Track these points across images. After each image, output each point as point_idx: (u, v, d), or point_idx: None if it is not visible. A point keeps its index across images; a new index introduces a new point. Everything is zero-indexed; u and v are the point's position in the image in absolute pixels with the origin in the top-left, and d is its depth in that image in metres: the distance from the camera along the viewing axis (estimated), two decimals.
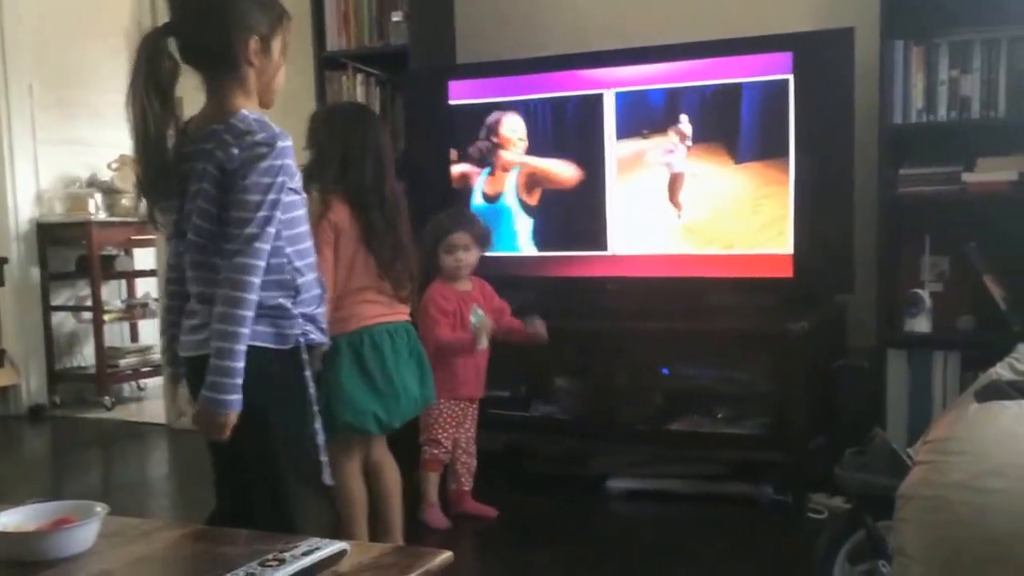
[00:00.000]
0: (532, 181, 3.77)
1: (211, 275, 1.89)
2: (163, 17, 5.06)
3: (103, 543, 1.42)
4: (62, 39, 5.62)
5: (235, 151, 1.87)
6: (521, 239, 3.81)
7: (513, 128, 3.78)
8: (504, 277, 3.65)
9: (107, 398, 5.55)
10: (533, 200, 3.78)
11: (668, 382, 3.64)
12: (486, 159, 3.84)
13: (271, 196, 1.86)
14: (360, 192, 2.74)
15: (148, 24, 4.97)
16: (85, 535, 1.39)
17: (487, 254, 3.45)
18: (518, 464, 3.93)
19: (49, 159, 5.57)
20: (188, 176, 1.93)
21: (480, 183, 3.85)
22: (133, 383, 5.96)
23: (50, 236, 5.51)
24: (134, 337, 6.05)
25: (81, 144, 5.72)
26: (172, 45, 1.96)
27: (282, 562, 1.24)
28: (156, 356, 5.76)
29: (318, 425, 2.03)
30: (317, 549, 1.28)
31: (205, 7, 1.97)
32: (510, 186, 3.80)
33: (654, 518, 3.41)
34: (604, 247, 3.67)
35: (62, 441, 5.15)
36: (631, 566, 2.99)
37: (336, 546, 1.30)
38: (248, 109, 1.94)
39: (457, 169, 3.87)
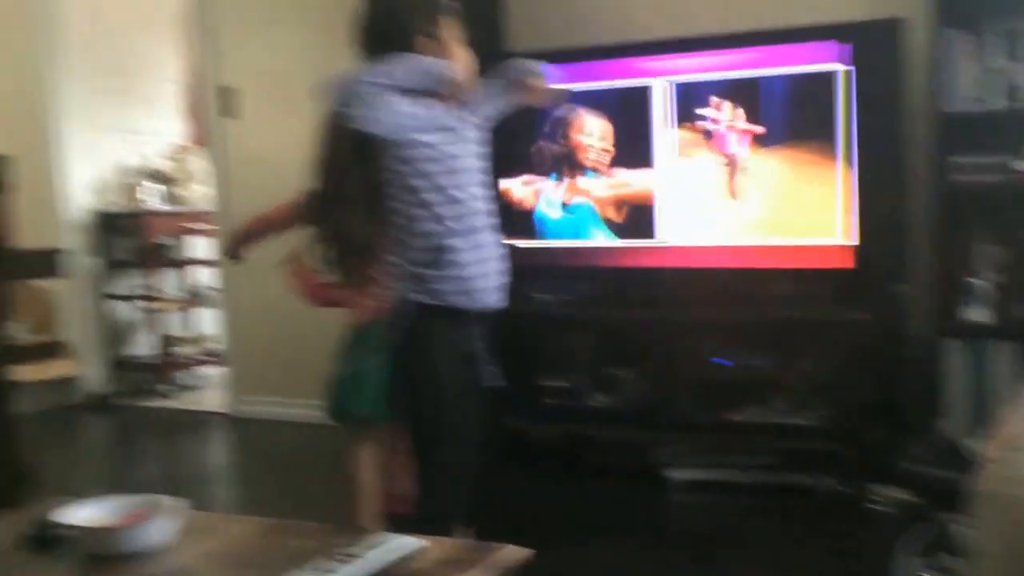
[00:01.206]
0: (620, 200, 3.70)
1: None
2: (220, 6, 5.10)
3: (180, 537, 1.44)
4: (117, 29, 5.68)
5: None
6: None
7: (589, 131, 3.70)
8: (560, 267, 3.65)
9: (166, 387, 5.63)
10: (620, 217, 3.70)
11: (727, 372, 3.62)
12: (552, 164, 3.78)
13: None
14: None
15: (202, 12, 5.04)
16: (163, 530, 1.42)
17: (542, 244, 3.45)
18: (575, 454, 3.93)
19: (104, 149, 5.64)
20: None
21: (546, 193, 3.79)
22: (191, 371, 6.01)
23: (108, 225, 5.59)
24: (191, 326, 6.13)
25: (136, 133, 5.79)
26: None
27: (353, 556, 1.25)
28: (213, 344, 5.85)
29: None
30: (391, 545, 1.29)
31: (383, 26, 2.28)
32: (589, 200, 3.74)
33: (713, 508, 3.41)
34: (656, 237, 3.65)
35: (123, 429, 5.24)
36: (691, 556, 2.99)
37: (409, 542, 1.31)
38: None
39: (506, 184, 3.77)
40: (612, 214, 3.71)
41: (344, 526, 1.52)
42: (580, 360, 3.85)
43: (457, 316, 2.20)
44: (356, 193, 2.28)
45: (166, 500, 1.47)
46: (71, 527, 1.41)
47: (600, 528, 3.25)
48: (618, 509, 3.42)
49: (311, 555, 1.32)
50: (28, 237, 3.09)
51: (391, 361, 2.40)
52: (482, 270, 2.21)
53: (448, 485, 2.26)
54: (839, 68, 3.28)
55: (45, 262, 3.30)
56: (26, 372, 3.26)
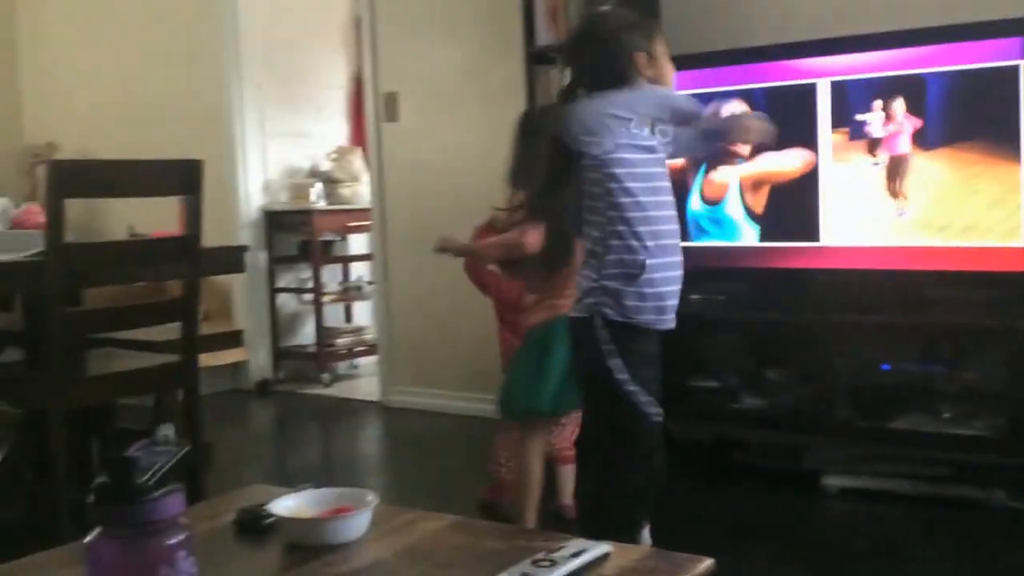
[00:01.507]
0: (757, 183, 3.70)
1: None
2: (382, 14, 5.27)
3: (372, 531, 1.49)
4: (288, 39, 5.94)
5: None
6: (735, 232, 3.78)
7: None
8: (715, 268, 3.64)
9: (325, 375, 5.83)
10: (759, 205, 3.70)
11: (889, 378, 3.54)
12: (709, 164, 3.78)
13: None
14: None
15: (368, 17, 5.19)
16: (360, 523, 1.48)
17: (695, 244, 3.44)
18: (726, 456, 3.91)
19: (275, 151, 5.90)
20: None
21: (697, 183, 3.82)
22: (348, 361, 6.22)
23: (275, 223, 5.84)
24: (348, 318, 6.33)
25: (304, 136, 6.05)
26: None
27: (554, 563, 1.28)
28: (369, 336, 6.02)
29: None
30: (584, 551, 1.33)
31: (596, 50, 2.29)
32: (733, 190, 3.75)
33: (872, 518, 3.32)
34: (817, 238, 3.60)
35: (285, 415, 5.45)
36: (847, 567, 2.93)
37: (600, 548, 1.34)
38: None
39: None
40: (769, 214, 3.68)
41: (529, 528, 1.55)
42: (732, 362, 3.82)
43: (643, 332, 2.26)
44: (561, 207, 2.33)
45: (362, 494, 1.53)
46: (277, 516, 1.48)
47: (752, 533, 3.22)
48: (770, 514, 3.38)
49: (502, 557, 1.35)
50: (210, 235, 3.25)
51: (565, 365, 2.48)
52: (672, 289, 2.27)
53: (635, 493, 2.34)
54: (1021, 64, 3.18)
55: (231, 259, 3.48)
56: (205, 359, 3.44)
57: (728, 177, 3.74)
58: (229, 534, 1.52)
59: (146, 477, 0.96)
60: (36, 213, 3.41)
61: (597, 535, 1.43)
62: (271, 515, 1.49)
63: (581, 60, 2.32)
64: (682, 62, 3.88)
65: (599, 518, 2.32)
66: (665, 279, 2.26)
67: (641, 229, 2.21)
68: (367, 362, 6.14)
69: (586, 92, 2.27)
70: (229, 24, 5.65)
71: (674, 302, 2.30)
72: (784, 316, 3.59)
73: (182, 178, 3.02)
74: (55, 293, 2.83)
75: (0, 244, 3.17)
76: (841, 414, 3.53)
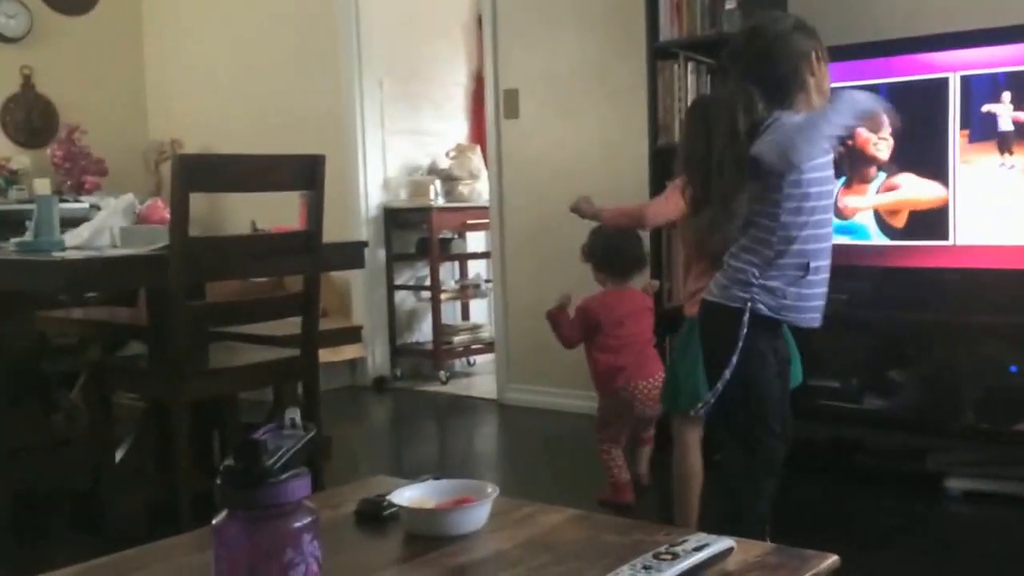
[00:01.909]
0: (906, 198, 3.57)
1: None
2: (504, 10, 5.29)
3: (491, 523, 1.48)
4: (409, 37, 6.00)
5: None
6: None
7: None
8: (840, 265, 3.53)
9: (442, 372, 5.86)
10: (899, 222, 3.59)
11: (1016, 380, 3.41)
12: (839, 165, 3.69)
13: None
14: None
15: (490, 14, 5.20)
16: (480, 515, 1.46)
17: None
18: (845, 457, 3.81)
19: (395, 148, 5.95)
20: None
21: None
22: (464, 359, 6.25)
23: (395, 220, 5.89)
24: (465, 315, 6.36)
25: (423, 134, 6.10)
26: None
27: (675, 556, 1.25)
28: (486, 334, 6.04)
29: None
30: (706, 545, 1.29)
31: (766, 50, 2.30)
32: (869, 204, 3.64)
33: (996, 522, 3.23)
34: (947, 236, 3.47)
35: (402, 411, 5.50)
36: (971, 570, 2.85)
37: (723, 543, 1.31)
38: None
39: None
40: (895, 212, 3.57)
41: (648, 522, 1.52)
42: (855, 362, 3.74)
43: (777, 329, 2.35)
44: (740, 209, 2.31)
45: (482, 486, 1.52)
46: (398, 506, 1.47)
47: (873, 534, 3.14)
48: (891, 516, 3.30)
49: (622, 550, 1.33)
50: (330, 231, 3.29)
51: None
52: (823, 291, 2.33)
53: (761, 488, 2.35)
54: None
55: (351, 254, 3.52)
56: (323, 355, 3.48)
57: (863, 201, 3.65)
58: (350, 523, 1.53)
59: (273, 460, 0.96)
60: (160, 208, 3.49)
61: (724, 528, 1.40)
62: (392, 505, 1.49)
63: (754, 62, 2.31)
64: None
65: (728, 517, 2.32)
66: (823, 280, 2.32)
67: (809, 233, 2.25)
68: (483, 360, 6.16)
69: (758, 93, 2.26)
70: (351, 21, 5.70)
71: (824, 301, 2.36)
72: (910, 316, 3.51)
73: (305, 173, 3.06)
74: (180, 287, 2.88)
75: (126, 238, 3.25)
76: (966, 416, 3.45)
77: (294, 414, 1.08)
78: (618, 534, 1.45)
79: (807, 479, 3.44)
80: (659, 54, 4.12)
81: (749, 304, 2.26)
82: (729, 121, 2.26)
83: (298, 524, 0.97)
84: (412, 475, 1.69)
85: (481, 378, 5.97)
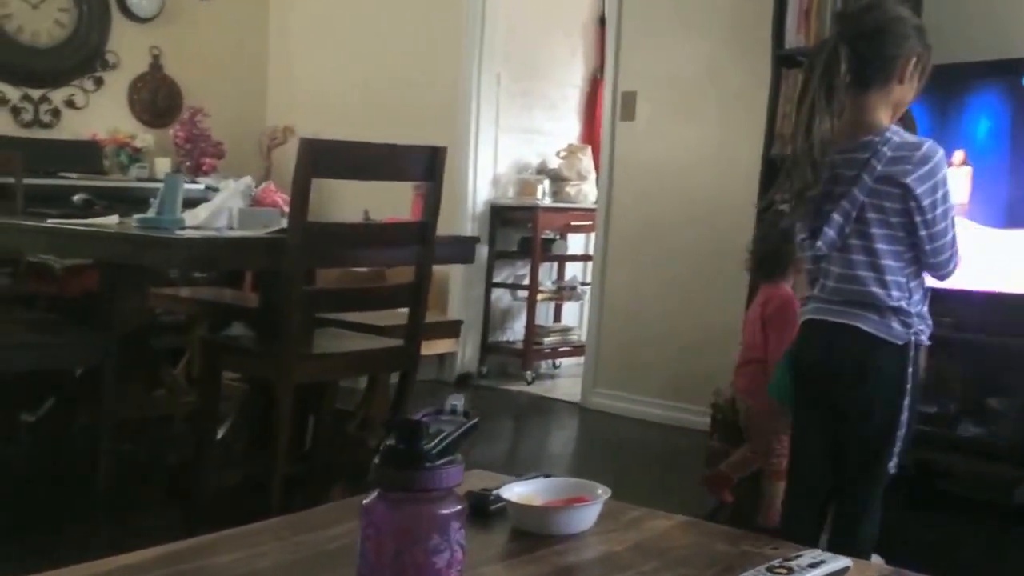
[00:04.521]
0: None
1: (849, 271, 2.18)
2: (628, 12, 5.25)
3: (600, 524, 1.48)
4: (529, 33, 6.02)
5: (908, 166, 2.12)
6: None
7: None
8: (941, 288, 3.46)
9: (529, 373, 5.87)
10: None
11: None
12: None
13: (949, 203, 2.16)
14: None
15: (614, 15, 5.20)
16: (591, 515, 1.46)
17: None
18: (930, 484, 3.73)
19: (506, 145, 5.98)
20: (835, 180, 2.17)
21: None
22: (551, 361, 6.25)
23: (500, 217, 5.92)
24: (557, 317, 6.36)
25: (535, 133, 6.12)
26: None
27: (790, 571, 1.25)
28: (575, 337, 6.04)
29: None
30: (822, 562, 1.28)
31: (880, 24, 2.17)
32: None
33: None
34: None
35: (484, 408, 5.48)
36: None
37: (840, 562, 1.30)
38: (886, 124, 2.17)
39: None
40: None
41: (758, 534, 1.51)
42: (952, 387, 3.66)
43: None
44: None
45: (593, 486, 1.52)
46: (507, 501, 1.48)
47: (956, 564, 3.06)
48: (972, 547, 3.25)
49: (732, 559, 1.33)
50: (440, 224, 3.32)
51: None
52: None
53: (877, 515, 2.33)
54: None
55: (463, 249, 3.55)
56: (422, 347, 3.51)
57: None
58: None
59: (432, 444, 0.97)
60: (273, 192, 3.55)
61: (843, 548, 1.39)
62: (500, 500, 1.49)
63: (862, 30, 2.18)
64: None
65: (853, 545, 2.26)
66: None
67: (928, 247, 2.20)
68: (569, 363, 6.16)
69: (847, 62, 2.14)
70: (476, 14, 5.73)
71: None
72: (1012, 342, 3.43)
73: (426, 164, 3.08)
74: (295, 270, 2.93)
75: (243, 220, 3.31)
76: None
77: (457, 400, 1.09)
78: (728, 543, 1.44)
79: (893, 505, 3.37)
80: (783, 61, 4.06)
81: (915, 337, 2.24)
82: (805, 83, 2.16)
83: (448, 511, 0.98)
84: (494, 471, 1.70)
85: (565, 380, 5.98)
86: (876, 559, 2.42)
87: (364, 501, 0.98)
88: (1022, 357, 3.45)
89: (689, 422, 4.64)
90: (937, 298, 3.36)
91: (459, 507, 1.00)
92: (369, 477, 0.96)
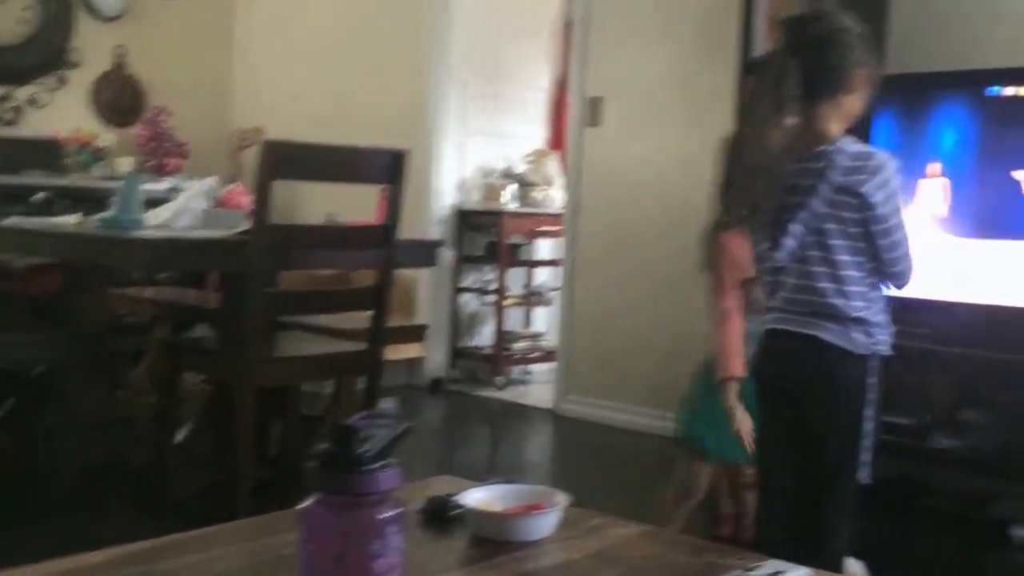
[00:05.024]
0: None
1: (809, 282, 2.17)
2: (595, 17, 5.27)
3: (560, 532, 1.46)
4: (496, 38, 6.01)
5: (863, 176, 2.11)
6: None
7: None
8: (918, 298, 3.48)
9: (499, 378, 5.85)
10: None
11: None
12: None
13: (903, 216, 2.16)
14: None
15: (581, 20, 5.20)
16: (550, 522, 1.45)
17: None
18: (906, 496, 3.72)
19: (472, 149, 5.97)
20: (790, 191, 2.16)
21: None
22: (522, 366, 6.23)
23: (466, 221, 5.91)
24: (527, 323, 6.34)
25: (501, 137, 6.10)
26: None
27: None
28: (546, 343, 6.03)
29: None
30: (782, 573, 1.27)
31: (825, 35, 2.16)
32: None
33: None
34: None
35: (456, 415, 5.49)
36: None
37: (800, 572, 1.29)
38: (838, 134, 2.16)
39: None
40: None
41: (722, 544, 1.50)
42: (927, 398, 3.66)
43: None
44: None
45: (552, 493, 1.50)
46: (465, 508, 1.46)
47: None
48: (950, 558, 3.25)
49: (693, 570, 1.32)
50: (401, 228, 3.30)
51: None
52: None
53: (845, 526, 2.30)
54: None
55: (425, 252, 3.54)
56: (387, 352, 3.49)
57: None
58: (414, 521, 1.51)
59: (366, 448, 0.95)
60: (239, 194, 3.53)
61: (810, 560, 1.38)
62: (459, 506, 1.48)
63: (808, 42, 2.17)
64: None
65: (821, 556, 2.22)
66: None
67: (887, 256, 2.18)
68: (540, 369, 6.15)
69: (797, 86, 2.12)
70: (441, 19, 5.72)
71: None
72: (989, 353, 3.43)
73: (388, 167, 3.08)
74: (257, 272, 2.91)
75: (207, 221, 3.29)
76: None
77: (390, 403, 1.08)
78: (689, 554, 1.43)
79: (867, 517, 3.36)
80: (750, 68, 4.04)
81: (876, 349, 2.22)
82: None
83: (385, 515, 0.97)
84: (461, 478, 1.68)
85: (537, 387, 5.96)
86: (856, 565, 2.42)
87: (302, 506, 0.97)
88: (998, 369, 3.45)
89: (663, 428, 4.63)
90: (912, 309, 3.41)
91: (397, 511, 0.99)
92: (307, 482, 0.95)
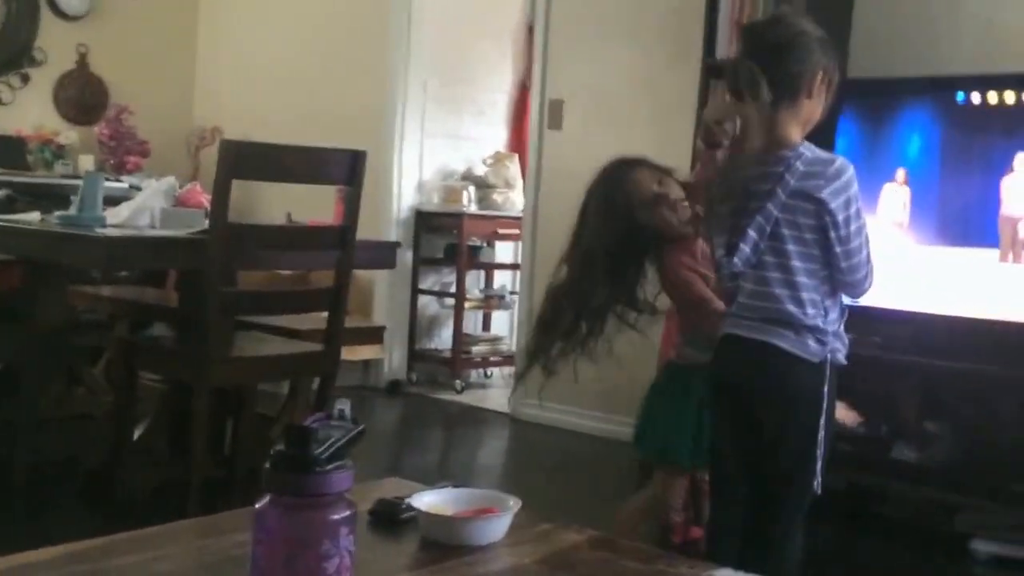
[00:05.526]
0: None
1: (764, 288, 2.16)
2: (556, 20, 5.27)
3: (510, 536, 1.47)
4: (458, 41, 6.01)
5: (821, 181, 2.11)
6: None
7: None
8: (876, 307, 3.52)
9: (458, 381, 5.84)
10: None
11: None
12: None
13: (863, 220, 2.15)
14: None
15: (542, 23, 5.21)
16: (501, 526, 1.46)
17: None
18: (863, 507, 3.71)
19: (432, 151, 5.96)
20: (749, 195, 2.15)
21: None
22: (481, 370, 6.24)
23: (425, 224, 5.89)
24: (486, 326, 6.34)
25: (462, 139, 6.10)
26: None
27: None
28: (505, 346, 6.03)
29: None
30: None
31: (783, 40, 2.15)
32: None
33: None
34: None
35: (413, 417, 5.47)
36: None
37: None
38: (798, 139, 2.15)
39: None
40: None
41: (666, 551, 1.51)
42: (886, 409, 3.64)
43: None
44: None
45: (504, 498, 1.51)
46: (416, 511, 1.47)
47: None
48: (910, 572, 3.24)
49: None
50: (361, 229, 3.30)
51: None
52: None
53: (797, 535, 2.30)
54: None
55: (383, 254, 3.54)
56: (344, 353, 3.49)
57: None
58: (363, 524, 1.51)
59: (321, 449, 0.96)
60: (198, 193, 3.52)
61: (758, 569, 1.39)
62: (410, 509, 1.48)
63: (767, 48, 2.17)
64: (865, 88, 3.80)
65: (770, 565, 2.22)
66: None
67: (844, 265, 2.17)
68: (499, 372, 6.15)
69: (755, 91, 2.13)
70: (403, 20, 5.71)
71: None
72: (949, 363, 3.38)
73: (347, 168, 3.08)
74: (215, 271, 2.90)
75: (165, 220, 3.28)
76: (1001, 474, 3.31)
77: (344, 405, 1.09)
78: (639, 562, 1.43)
79: (825, 528, 3.38)
80: (713, 72, 4.00)
81: (831, 356, 2.21)
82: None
83: (338, 516, 0.98)
84: (416, 481, 1.69)
85: (495, 391, 5.96)
86: None
87: (256, 506, 0.97)
88: (959, 379, 3.42)
89: (619, 434, 4.65)
90: (872, 318, 3.41)
91: (349, 512, 1.00)
92: (261, 482, 0.96)
